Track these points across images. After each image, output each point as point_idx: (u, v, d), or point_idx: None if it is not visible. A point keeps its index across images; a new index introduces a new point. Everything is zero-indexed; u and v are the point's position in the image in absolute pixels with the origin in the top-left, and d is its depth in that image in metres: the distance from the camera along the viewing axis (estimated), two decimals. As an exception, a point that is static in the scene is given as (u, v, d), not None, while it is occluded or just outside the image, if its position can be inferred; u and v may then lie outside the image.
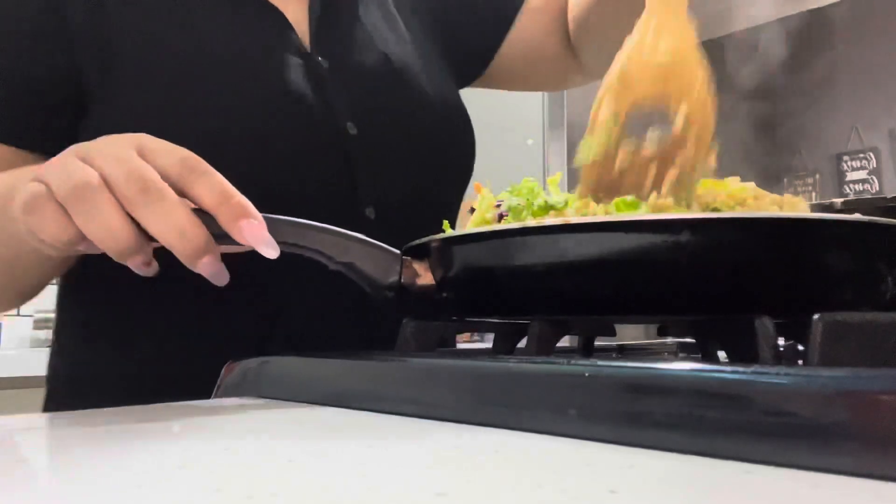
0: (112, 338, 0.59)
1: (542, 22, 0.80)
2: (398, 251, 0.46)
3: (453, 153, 0.68)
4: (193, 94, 0.56)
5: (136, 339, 0.58)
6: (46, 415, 0.36)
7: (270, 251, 0.41)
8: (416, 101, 0.65)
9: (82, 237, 0.39)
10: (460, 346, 1.48)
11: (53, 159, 0.41)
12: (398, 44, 0.68)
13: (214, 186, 0.40)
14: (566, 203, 0.44)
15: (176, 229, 0.38)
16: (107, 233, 0.38)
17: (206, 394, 0.44)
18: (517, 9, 0.79)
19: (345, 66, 0.63)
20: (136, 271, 0.40)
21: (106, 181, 0.38)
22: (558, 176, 0.48)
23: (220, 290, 0.54)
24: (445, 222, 0.54)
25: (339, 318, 0.60)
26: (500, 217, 0.48)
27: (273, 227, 0.41)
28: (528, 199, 0.45)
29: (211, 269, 0.41)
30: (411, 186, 0.64)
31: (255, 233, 0.40)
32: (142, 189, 0.38)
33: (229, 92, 0.57)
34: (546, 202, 0.45)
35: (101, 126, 0.55)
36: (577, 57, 0.81)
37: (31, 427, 0.33)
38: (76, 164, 0.39)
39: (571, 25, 0.78)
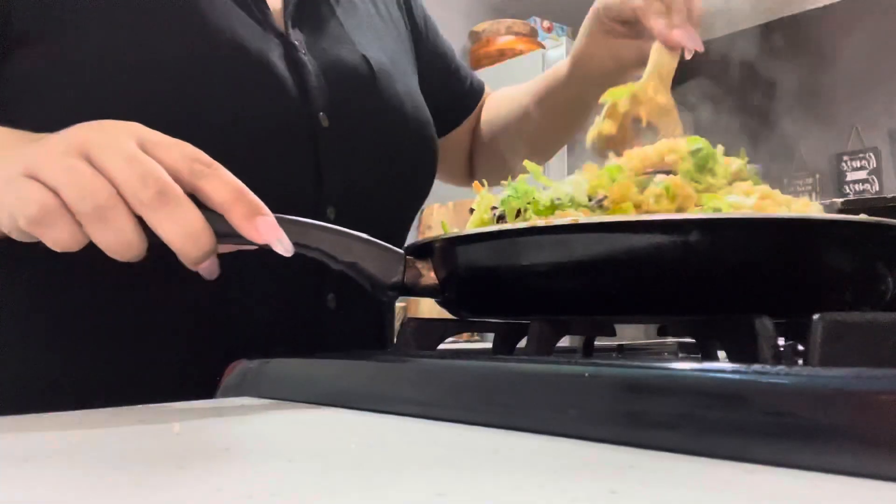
0: (50, 339, 0.56)
1: (473, 123, 0.89)
2: (402, 251, 0.46)
3: (418, 165, 0.68)
4: (161, 52, 0.52)
5: (76, 342, 0.55)
6: (46, 415, 0.36)
7: (284, 249, 0.40)
8: (390, 106, 0.65)
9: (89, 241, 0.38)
10: (460, 345, 1.48)
11: (46, 152, 0.38)
12: (378, 50, 0.68)
13: (226, 184, 0.39)
14: (571, 201, 0.44)
15: (189, 235, 0.37)
16: (121, 245, 0.37)
17: (146, 400, 0.40)
18: (478, 100, 0.88)
19: (321, 58, 0.62)
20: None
21: (118, 187, 0.37)
22: (539, 168, 0.49)
23: (157, 294, 0.52)
24: (444, 222, 0.54)
25: (291, 322, 0.58)
26: (499, 218, 0.48)
27: None
28: (534, 200, 0.45)
29: (210, 268, 0.40)
30: (374, 192, 0.63)
31: (272, 230, 0.39)
32: (158, 194, 0.37)
33: (201, 55, 0.53)
34: (552, 202, 0.45)
35: (36, 71, 0.52)
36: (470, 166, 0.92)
37: (31, 427, 0.33)
38: (84, 169, 0.37)
39: (486, 133, 0.87)
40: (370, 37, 0.69)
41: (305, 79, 0.59)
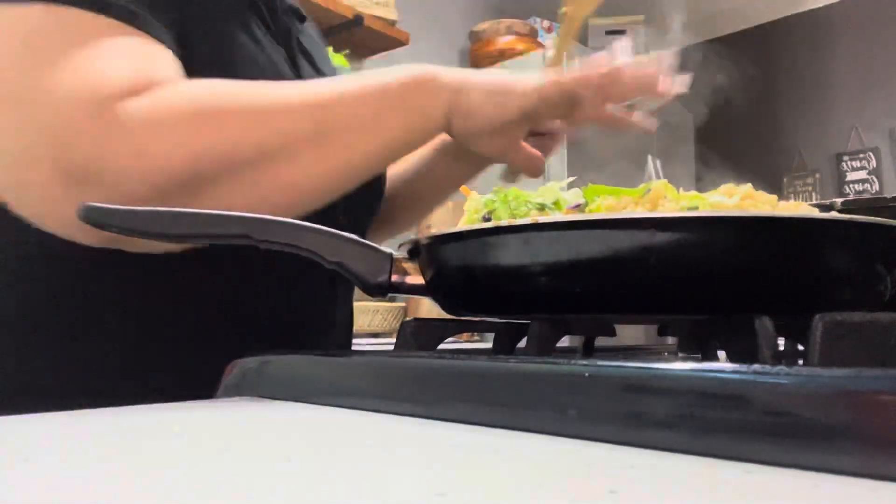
0: (50, 339, 0.55)
1: None
2: (389, 251, 0.47)
3: (376, 192, 0.73)
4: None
5: (76, 342, 0.55)
6: (46, 415, 0.36)
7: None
8: None
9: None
10: (460, 345, 1.48)
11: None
12: None
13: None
14: (556, 204, 0.45)
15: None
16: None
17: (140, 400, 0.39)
18: None
19: (313, 77, 0.67)
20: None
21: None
22: (563, 183, 0.49)
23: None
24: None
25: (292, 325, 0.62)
26: (486, 220, 0.48)
27: (269, 228, 0.42)
28: (529, 203, 0.45)
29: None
30: (348, 203, 0.67)
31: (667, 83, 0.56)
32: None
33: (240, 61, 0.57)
34: (542, 204, 0.45)
35: None
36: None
37: (31, 427, 0.33)
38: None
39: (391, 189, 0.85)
40: (333, 73, 0.75)
41: None
